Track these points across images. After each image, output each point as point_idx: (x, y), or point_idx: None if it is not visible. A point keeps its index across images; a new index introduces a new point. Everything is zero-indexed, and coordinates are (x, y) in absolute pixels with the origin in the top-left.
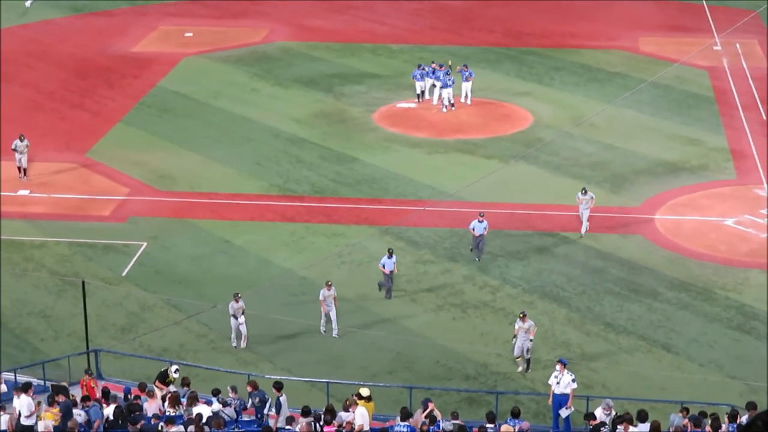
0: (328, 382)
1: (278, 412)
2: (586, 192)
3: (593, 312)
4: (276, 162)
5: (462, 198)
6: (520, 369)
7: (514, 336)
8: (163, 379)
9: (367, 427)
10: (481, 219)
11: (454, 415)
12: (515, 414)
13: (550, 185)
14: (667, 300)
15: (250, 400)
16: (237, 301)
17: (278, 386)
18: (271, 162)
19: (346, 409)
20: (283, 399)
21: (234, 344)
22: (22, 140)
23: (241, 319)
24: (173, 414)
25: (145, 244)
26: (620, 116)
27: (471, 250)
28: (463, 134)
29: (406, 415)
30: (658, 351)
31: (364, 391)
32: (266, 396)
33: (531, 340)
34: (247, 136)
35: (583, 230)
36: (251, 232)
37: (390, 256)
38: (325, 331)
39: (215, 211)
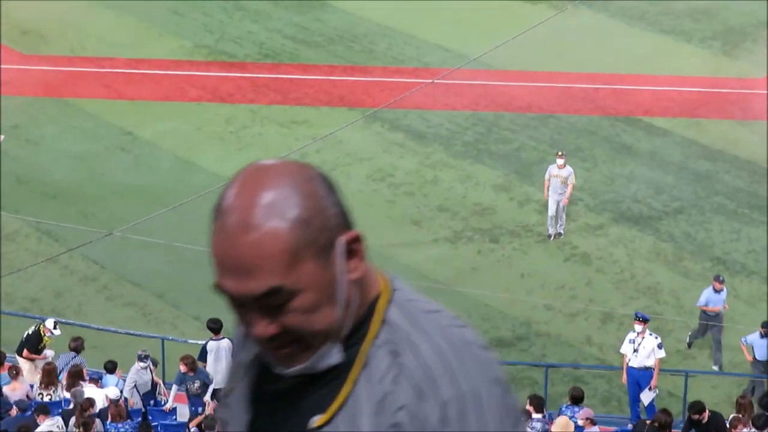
0: None
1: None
2: (564, 164)
3: (695, 241)
4: (202, 10)
5: (491, 66)
6: None
7: None
8: (35, 344)
9: None
10: (720, 285)
11: None
12: (575, 399)
13: (629, 45)
14: None
15: (185, 385)
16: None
17: (215, 326)
18: (195, 10)
19: None
20: (222, 345)
21: None
22: None
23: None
24: (48, 400)
25: (1, 137)
26: None
27: (690, 342)
28: None
29: None
30: None
31: None
32: (210, 378)
33: None
34: None
35: (552, 229)
36: (165, 119)
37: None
38: None
39: (109, 87)
